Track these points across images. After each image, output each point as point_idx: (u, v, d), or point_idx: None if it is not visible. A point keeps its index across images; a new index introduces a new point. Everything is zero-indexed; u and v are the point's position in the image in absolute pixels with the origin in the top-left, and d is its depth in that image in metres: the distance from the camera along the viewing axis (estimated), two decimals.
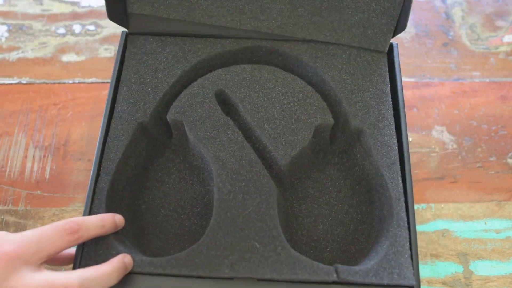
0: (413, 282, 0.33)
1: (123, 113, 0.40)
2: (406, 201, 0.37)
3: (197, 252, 0.34)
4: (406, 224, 0.35)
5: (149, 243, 0.39)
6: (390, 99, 0.41)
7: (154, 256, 0.36)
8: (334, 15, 0.43)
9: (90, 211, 0.36)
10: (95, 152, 0.38)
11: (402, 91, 0.41)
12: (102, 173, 0.37)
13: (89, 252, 0.34)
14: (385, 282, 0.33)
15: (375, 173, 0.39)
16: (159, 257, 0.34)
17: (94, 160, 0.38)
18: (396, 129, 0.40)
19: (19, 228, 0.45)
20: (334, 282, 0.33)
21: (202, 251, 0.34)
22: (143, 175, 0.42)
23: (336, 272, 0.33)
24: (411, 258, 0.34)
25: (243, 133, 0.41)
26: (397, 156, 0.38)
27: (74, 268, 0.34)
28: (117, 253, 0.34)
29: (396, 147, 0.39)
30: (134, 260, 0.34)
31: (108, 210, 0.36)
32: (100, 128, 0.39)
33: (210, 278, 0.33)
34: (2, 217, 0.45)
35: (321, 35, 0.44)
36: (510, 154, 0.50)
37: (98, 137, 0.39)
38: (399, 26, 0.42)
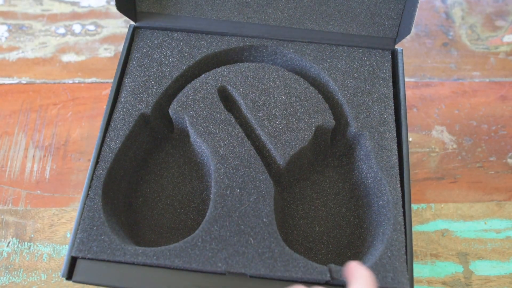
0: (407, 287, 0.33)
1: (125, 103, 0.40)
2: (403, 206, 0.37)
3: (192, 244, 0.34)
4: (403, 229, 0.35)
5: (143, 235, 0.39)
6: (393, 104, 0.41)
7: None
8: (341, 4, 0.43)
9: (86, 197, 0.36)
10: (97, 140, 0.39)
11: (405, 97, 0.41)
12: (100, 160, 0.37)
13: (82, 238, 0.34)
14: (379, 285, 0.33)
15: (374, 177, 0.39)
16: (152, 247, 0.34)
17: (95, 148, 0.38)
18: (396, 133, 0.40)
19: (19, 228, 0.45)
20: (327, 282, 0.33)
21: (196, 243, 0.34)
22: (142, 168, 0.42)
23: (330, 272, 0.33)
24: (406, 263, 0.34)
25: (243, 130, 0.41)
26: (397, 160, 0.38)
27: (69, 252, 0.34)
28: (111, 242, 0.34)
29: (396, 152, 0.39)
30: (127, 250, 0.34)
31: (104, 198, 0.36)
32: (103, 118, 0.39)
33: (202, 272, 0.33)
34: (2, 217, 0.45)
35: (328, 25, 0.44)
36: (510, 154, 0.50)
37: (100, 126, 0.39)
38: (405, 27, 0.42)
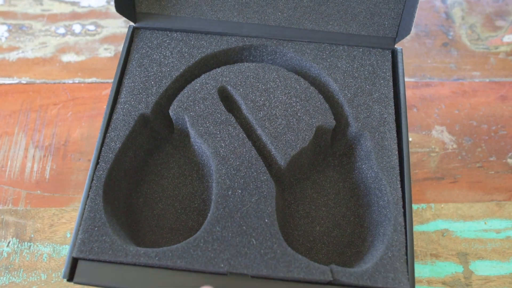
0: (407, 287, 0.33)
1: (125, 104, 0.40)
2: (404, 206, 0.37)
3: (194, 245, 0.34)
4: (403, 229, 0.35)
5: (144, 236, 0.39)
6: (393, 104, 0.41)
7: None
8: (340, 4, 0.44)
9: (87, 198, 0.36)
10: (97, 141, 0.39)
11: (405, 96, 0.41)
12: (101, 161, 0.37)
13: (83, 239, 0.34)
14: (380, 285, 0.33)
15: (374, 177, 0.39)
16: (154, 248, 0.34)
17: (95, 149, 0.38)
18: (397, 133, 0.40)
19: (19, 228, 0.45)
20: (329, 283, 0.33)
21: (199, 244, 0.34)
22: (142, 168, 0.42)
23: (331, 272, 0.33)
24: (407, 263, 0.34)
25: (244, 130, 0.41)
26: (397, 160, 0.38)
27: (70, 253, 0.34)
28: (112, 243, 0.34)
29: (397, 152, 0.39)
30: (128, 250, 0.33)
31: (105, 198, 0.36)
32: (103, 118, 0.39)
33: (204, 272, 0.33)
34: (2, 217, 0.45)
35: (328, 25, 0.44)
36: (510, 154, 0.50)
37: (100, 127, 0.39)
38: (405, 27, 0.42)
